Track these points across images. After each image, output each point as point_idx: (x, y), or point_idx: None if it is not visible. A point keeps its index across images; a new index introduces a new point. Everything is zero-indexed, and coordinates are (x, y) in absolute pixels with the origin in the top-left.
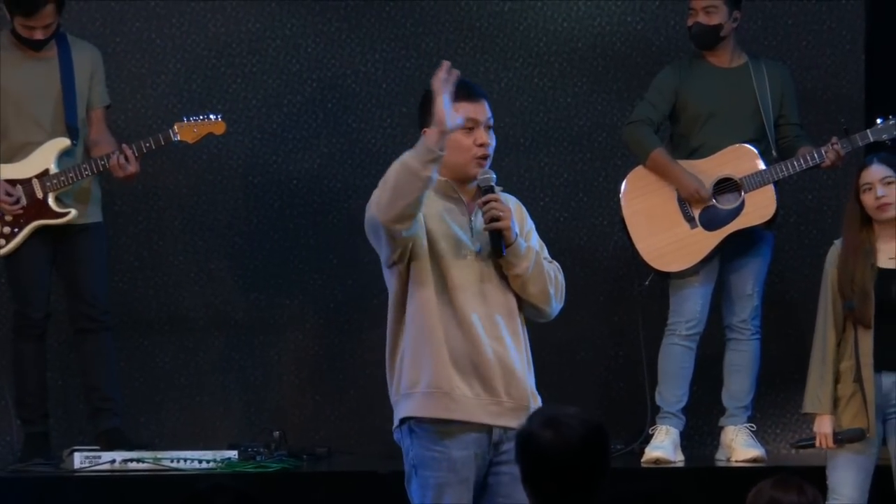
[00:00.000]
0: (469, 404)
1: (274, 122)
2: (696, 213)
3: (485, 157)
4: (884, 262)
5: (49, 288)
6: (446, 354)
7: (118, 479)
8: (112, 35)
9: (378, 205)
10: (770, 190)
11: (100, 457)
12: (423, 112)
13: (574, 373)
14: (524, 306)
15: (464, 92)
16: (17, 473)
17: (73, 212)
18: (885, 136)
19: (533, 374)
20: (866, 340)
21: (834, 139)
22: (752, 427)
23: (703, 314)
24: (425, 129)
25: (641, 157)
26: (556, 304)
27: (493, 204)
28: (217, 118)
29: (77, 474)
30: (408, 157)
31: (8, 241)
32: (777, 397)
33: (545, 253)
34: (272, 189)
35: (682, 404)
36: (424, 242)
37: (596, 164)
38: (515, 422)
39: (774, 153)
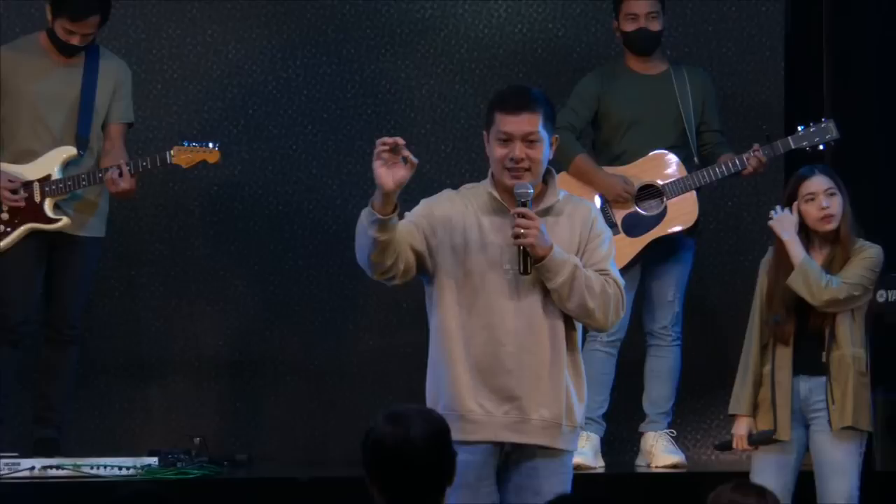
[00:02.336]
0: (484, 423)
1: (195, 128)
2: (619, 219)
3: (516, 171)
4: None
5: (35, 296)
6: (464, 373)
7: (38, 485)
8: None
9: (357, 258)
10: (692, 197)
11: (19, 463)
12: (487, 114)
13: None
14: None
15: (507, 103)
16: None
17: (65, 219)
18: (805, 144)
19: (583, 389)
20: (784, 348)
21: (756, 146)
22: (673, 433)
23: (625, 320)
24: (485, 135)
25: (564, 162)
26: (604, 318)
27: (520, 220)
28: (214, 147)
29: None
30: (363, 217)
31: (0, 239)
32: (697, 403)
33: (608, 263)
34: (192, 195)
35: (603, 410)
36: (434, 263)
37: None
38: (543, 439)
39: (696, 160)
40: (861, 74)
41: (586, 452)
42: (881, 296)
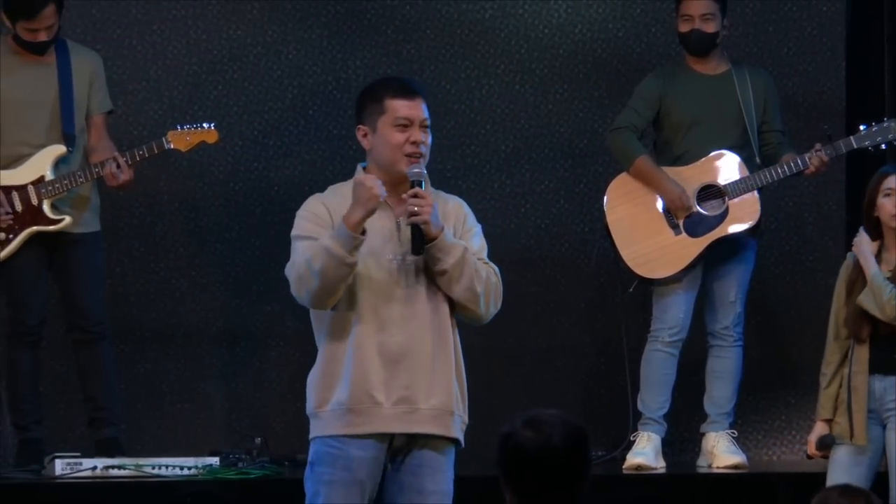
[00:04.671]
0: (377, 415)
1: (255, 129)
2: (681, 219)
3: (417, 156)
4: (884, 272)
5: (45, 295)
6: (354, 366)
7: (99, 485)
8: (93, 41)
9: (306, 291)
10: (754, 197)
11: (81, 463)
12: (359, 108)
13: (556, 380)
14: (457, 308)
15: (400, 89)
16: None
17: (68, 218)
18: (867, 143)
19: (463, 378)
20: (862, 348)
21: (818, 146)
22: (734, 433)
23: (686, 321)
24: (362, 128)
25: (625, 163)
26: (486, 306)
27: (413, 200)
28: (210, 127)
29: (58, 481)
30: (332, 245)
31: (3, 248)
32: (759, 404)
33: (484, 255)
34: (254, 196)
35: (664, 411)
36: None
37: (577, 171)
38: (435, 428)
39: (758, 160)
40: None
41: (647, 453)
42: None
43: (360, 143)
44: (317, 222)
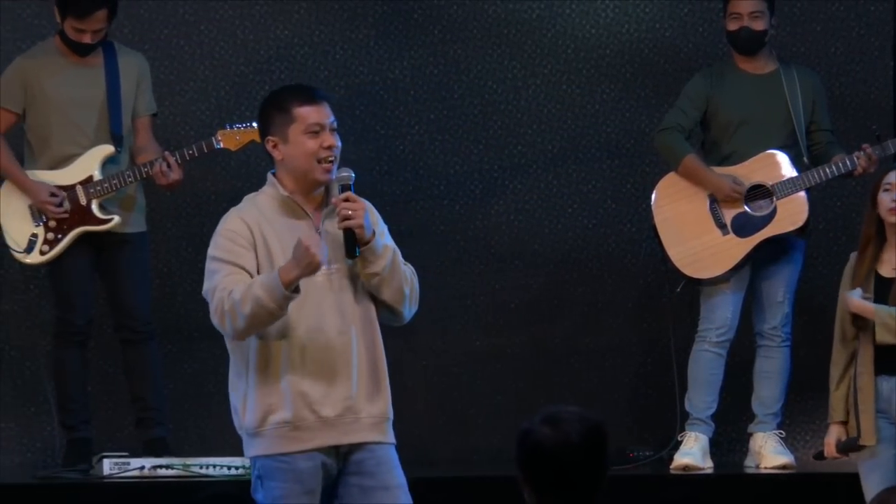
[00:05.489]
0: (317, 430)
1: None
2: (728, 219)
3: (330, 160)
4: (886, 271)
5: (93, 294)
6: (295, 382)
7: (147, 485)
8: (140, 42)
9: (230, 327)
10: (802, 197)
11: (128, 463)
12: (265, 120)
13: (603, 380)
14: (379, 311)
15: (304, 96)
16: (46, 481)
17: (117, 218)
18: None
19: (387, 383)
20: (867, 349)
21: (866, 145)
22: (782, 434)
23: (734, 321)
24: (271, 139)
25: (673, 163)
26: (410, 306)
27: (345, 204)
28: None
29: (106, 481)
30: (264, 296)
31: (52, 248)
32: (806, 404)
33: (398, 256)
34: None
35: (712, 411)
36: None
37: (624, 171)
38: (373, 435)
39: (806, 160)
40: None
41: (695, 453)
42: None
43: (270, 154)
44: (237, 241)
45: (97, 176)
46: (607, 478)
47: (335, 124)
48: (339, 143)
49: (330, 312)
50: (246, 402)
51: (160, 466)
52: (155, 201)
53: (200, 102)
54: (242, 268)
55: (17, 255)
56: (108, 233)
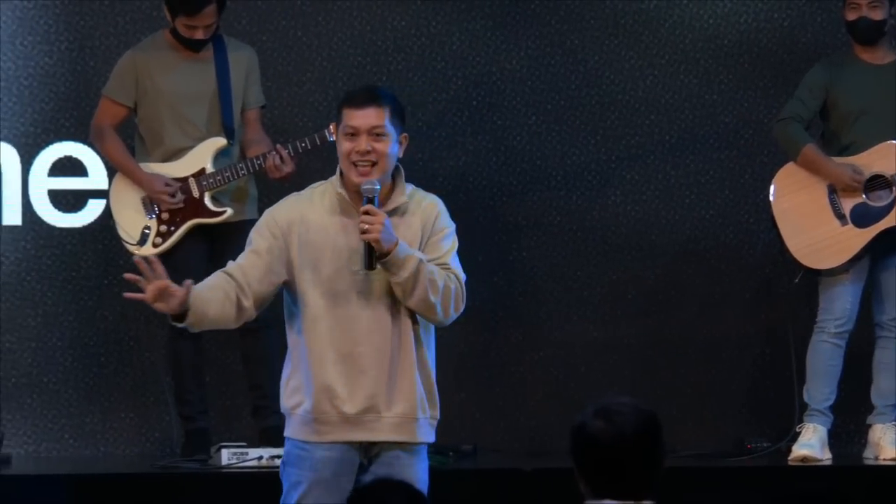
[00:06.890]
0: (336, 425)
1: (419, 120)
2: (847, 210)
3: (364, 165)
4: None
5: None
6: (322, 376)
7: (265, 475)
8: (258, 33)
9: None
10: None
11: (247, 453)
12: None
13: (720, 371)
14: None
15: (353, 98)
16: (165, 470)
17: (230, 210)
18: None
19: (432, 379)
20: None
21: None
22: None
23: (853, 312)
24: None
25: (793, 153)
26: (444, 313)
27: (364, 217)
28: None
29: (224, 471)
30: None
31: (165, 240)
32: None
33: (450, 258)
34: (418, 186)
35: (830, 402)
36: (291, 271)
37: (742, 162)
38: (397, 435)
39: None
40: None
41: (814, 444)
42: None
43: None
44: (263, 229)
45: (209, 168)
46: (663, 468)
47: (382, 129)
48: (384, 148)
49: (360, 315)
50: (287, 385)
51: (277, 456)
52: (265, 193)
53: (318, 93)
54: (256, 251)
55: (131, 248)
56: (221, 222)
